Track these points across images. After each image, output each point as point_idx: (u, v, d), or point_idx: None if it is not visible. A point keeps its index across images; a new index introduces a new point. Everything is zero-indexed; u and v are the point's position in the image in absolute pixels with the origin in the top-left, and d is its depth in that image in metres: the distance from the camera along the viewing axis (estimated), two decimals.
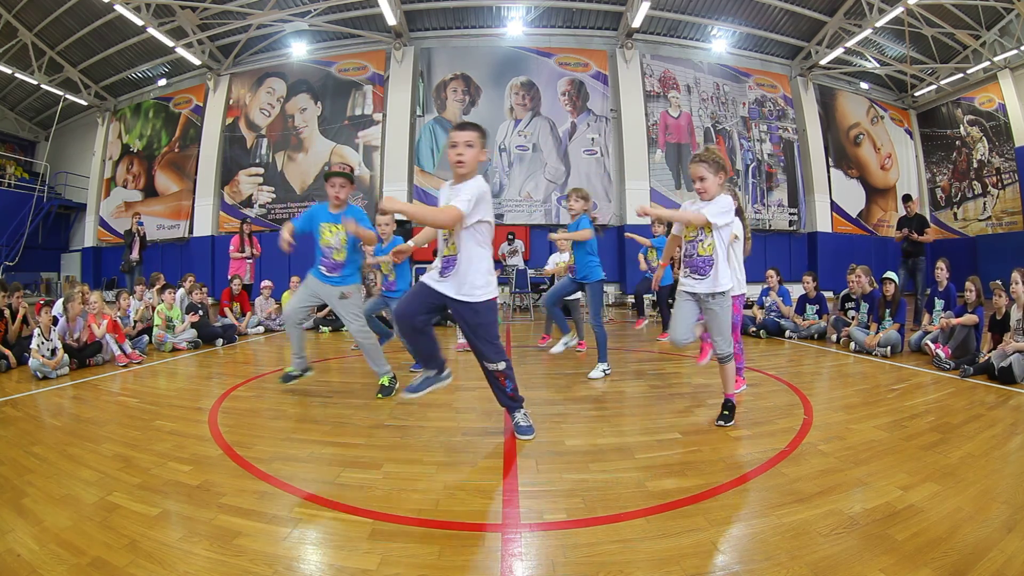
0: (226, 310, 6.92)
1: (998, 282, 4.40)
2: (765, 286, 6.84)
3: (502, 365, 2.53)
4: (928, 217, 14.36)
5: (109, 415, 3.27)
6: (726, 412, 2.87)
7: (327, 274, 3.46)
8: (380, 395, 3.52)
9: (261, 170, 13.08)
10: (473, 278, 2.44)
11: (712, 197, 2.75)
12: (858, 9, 11.41)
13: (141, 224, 9.92)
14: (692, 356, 4.55)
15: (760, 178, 13.15)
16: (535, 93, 12.63)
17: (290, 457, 2.44)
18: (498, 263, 10.42)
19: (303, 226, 3.46)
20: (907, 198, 7.63)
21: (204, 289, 6.68)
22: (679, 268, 3.02)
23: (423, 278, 2.56)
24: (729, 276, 2.83)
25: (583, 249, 4.18)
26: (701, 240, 2.79)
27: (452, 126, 2.50)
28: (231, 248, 8.35)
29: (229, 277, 7.51)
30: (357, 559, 1.58)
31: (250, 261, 8.31)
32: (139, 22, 10.87)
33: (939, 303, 5.35)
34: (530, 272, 9.48)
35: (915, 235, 6.93)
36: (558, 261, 6.38)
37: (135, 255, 9.57)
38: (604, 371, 4.12)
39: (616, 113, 12.54)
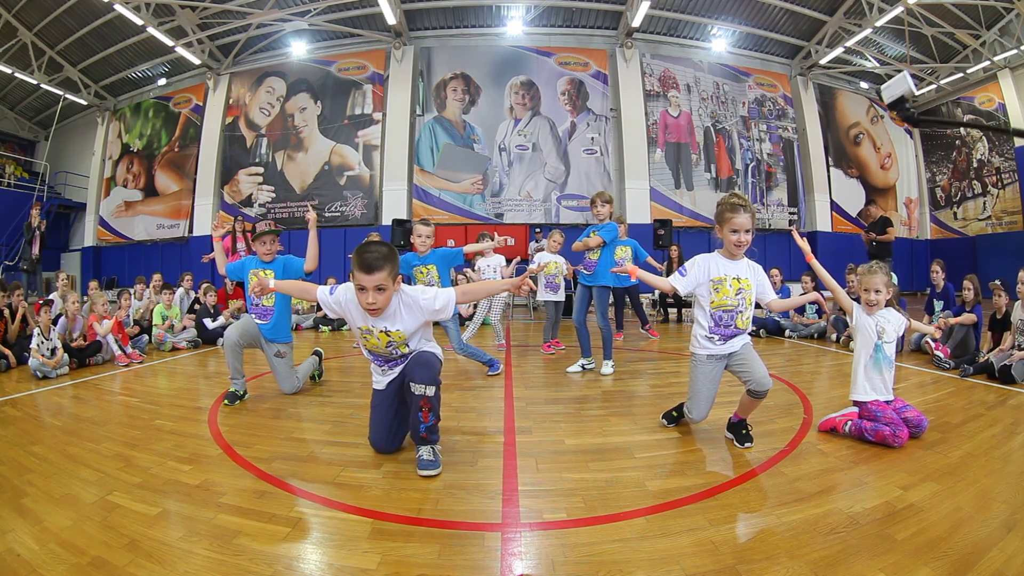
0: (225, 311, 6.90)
1: (997, 282, 4.41)
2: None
3: (431, 390, 2.27)
4: (929, 217, 14.55)
5: (109, 415, 3.27)
6: (744, 432, 2.54)
7: (259, 321, 3.57)
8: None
9: (261, 169, 13.08)
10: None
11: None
12: (858, 9, 11.41)
13: (43, 218, 9.77)
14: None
15: (760, 178, 13.14)
16: (535, 92, 12.62)
17: (290, 457, 2.44)
18: (524, 261, 10.34)
19: (234, 275, 3.84)
20: (870, 202, 7.90)
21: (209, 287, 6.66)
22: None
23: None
24: (751, 320, 2.51)
25: (611, 252, 4.28)
26: (741, 312, 2.46)
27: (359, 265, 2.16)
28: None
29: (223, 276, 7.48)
30: (357, 558, 1.58)
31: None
32: (139, 21, 10.88)
33: (938, 303, 5.35)
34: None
35: (873, 234, 7.28)
36: (544, 260, 6.21)
37: (36, 251, 9.37)
38: (611, 367, 4.29)
39: (616, 112, 12.54)
